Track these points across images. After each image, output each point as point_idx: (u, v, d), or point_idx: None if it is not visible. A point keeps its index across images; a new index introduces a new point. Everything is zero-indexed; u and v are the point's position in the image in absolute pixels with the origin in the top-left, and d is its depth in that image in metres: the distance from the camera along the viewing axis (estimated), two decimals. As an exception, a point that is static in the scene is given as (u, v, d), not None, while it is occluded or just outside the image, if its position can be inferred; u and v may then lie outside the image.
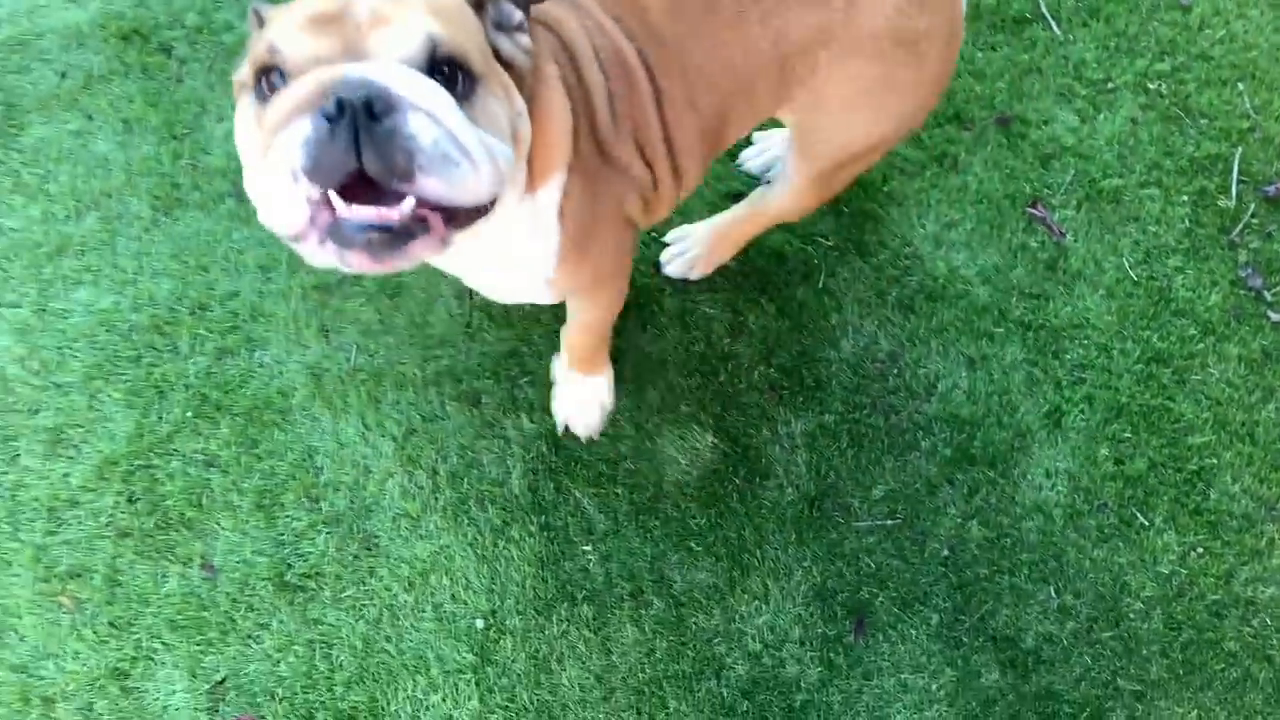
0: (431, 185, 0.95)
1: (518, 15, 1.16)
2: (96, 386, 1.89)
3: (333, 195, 0.93)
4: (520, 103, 1.15)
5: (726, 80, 1.40)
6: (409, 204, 0.94)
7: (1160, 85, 2.30)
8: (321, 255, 0.97)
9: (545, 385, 1.95)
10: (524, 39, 1.16)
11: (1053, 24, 2.34)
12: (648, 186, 1.45)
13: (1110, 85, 2.29)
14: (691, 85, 1.39)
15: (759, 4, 1.35)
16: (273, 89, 1.01)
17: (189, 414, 1.88)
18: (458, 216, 1.01)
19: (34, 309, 1.93)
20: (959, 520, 1.92)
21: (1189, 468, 1.99)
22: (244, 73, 1.07)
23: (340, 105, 0.90)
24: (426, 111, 0.95)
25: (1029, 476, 1.96)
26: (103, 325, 1.93)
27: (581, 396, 1.91)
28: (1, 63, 2.10)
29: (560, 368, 1.90)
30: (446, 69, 1.01)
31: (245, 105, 1.07)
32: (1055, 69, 2.30)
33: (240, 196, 2.03)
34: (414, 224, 0.95)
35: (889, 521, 1.92)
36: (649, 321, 2.01)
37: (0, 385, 1.88)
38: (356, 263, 0.96)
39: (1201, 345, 2.08)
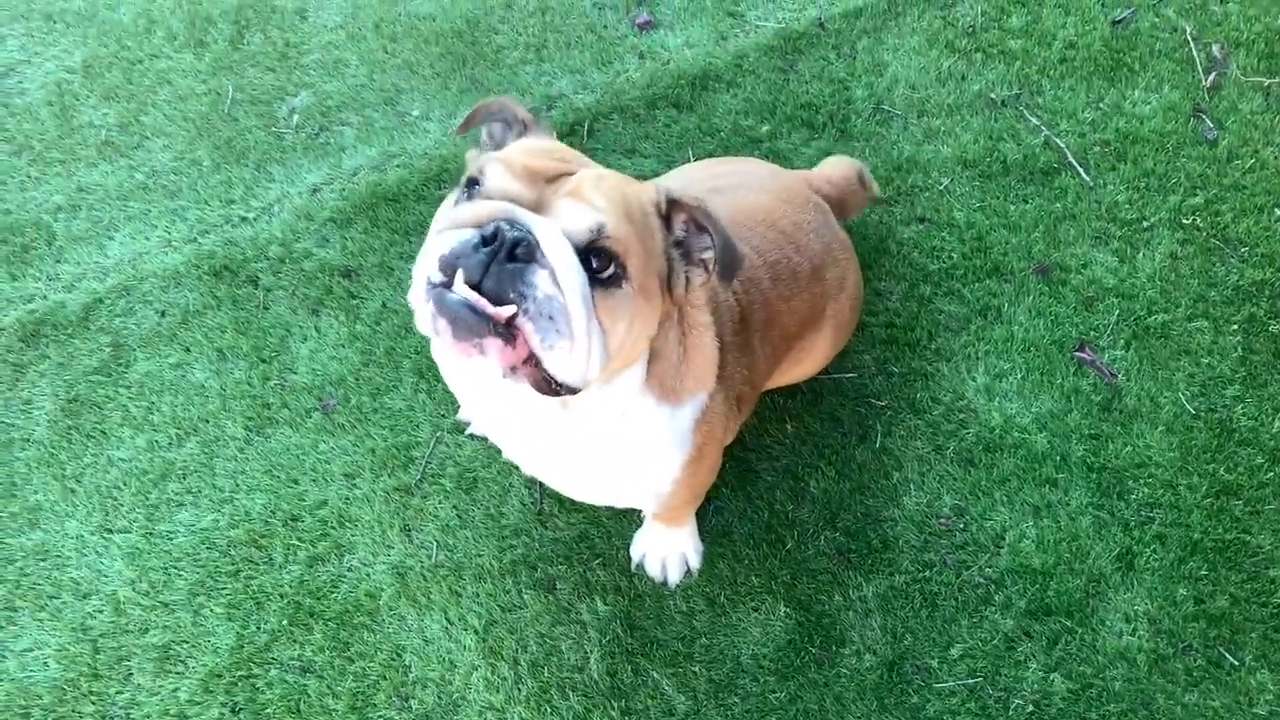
0: (526, 330, 1.09)
1: (706, 250, 1.30)
2: (200, 603, 1.99)
3: (458, 276, 1.07)
4: (654, 325, 1.28)
5: (794, 326, 1.77)
6: (507, 310, 1.07)
7: (1196, 219, 2.32)
8: (423, 318, 1.11)
9: (617, 567, 2.00)
10: (698, 274, 1.31)
11: (1081, 171, 2.40)
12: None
13: (1145, 224, 2.32)
14: (774, 332, 1.72)
15: (810, 279, 1.77)
16: (470, 195, 1.18)
17: (285, 622, 1.97)
18: (538, 368, 1.13)
19: (142, 533, 2.06)
20: (1041, 674, 1.88)
21: (1274, 601, 1.93)
22: (470, 170, 1.24)
23: (496, 233, 1.08)
24: (555, 276, 1.09)
25: (1108, 623, 1.92)
26: (204, 543, 2.05)
27: (664, 546, 1.96)
28: (110, 307, 2.30)
29: (647, 517, 1.97)
30: (600, 257, 1.15)
31: (451, 198, 1.25)
32: (1088, 214, 2.34)
33: (325, 411, 2.17)
34: (503, 329, 1.08)
35: (970, 680, 1.89)
36: (712, 494, 2.06)
37: (113, 608, 1.99)
38: (442, 332, 1.08)
39: (1271, 474, 2.04)
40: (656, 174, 2.41)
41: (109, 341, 2.27)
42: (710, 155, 2.44)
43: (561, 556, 2.01)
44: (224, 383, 2.21)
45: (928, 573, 1.98)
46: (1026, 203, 2.37)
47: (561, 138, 2.45)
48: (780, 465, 2.09)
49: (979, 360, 2.17)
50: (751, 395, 1.78)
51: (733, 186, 1.89)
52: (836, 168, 2.10)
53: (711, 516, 2.04)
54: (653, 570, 1.98)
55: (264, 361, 2.23)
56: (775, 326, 1.75)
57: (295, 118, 2.52)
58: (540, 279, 1.08)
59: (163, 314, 2.29)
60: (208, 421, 2.18)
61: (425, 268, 1.12)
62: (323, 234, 2.37)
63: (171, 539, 2.06)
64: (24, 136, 2.53)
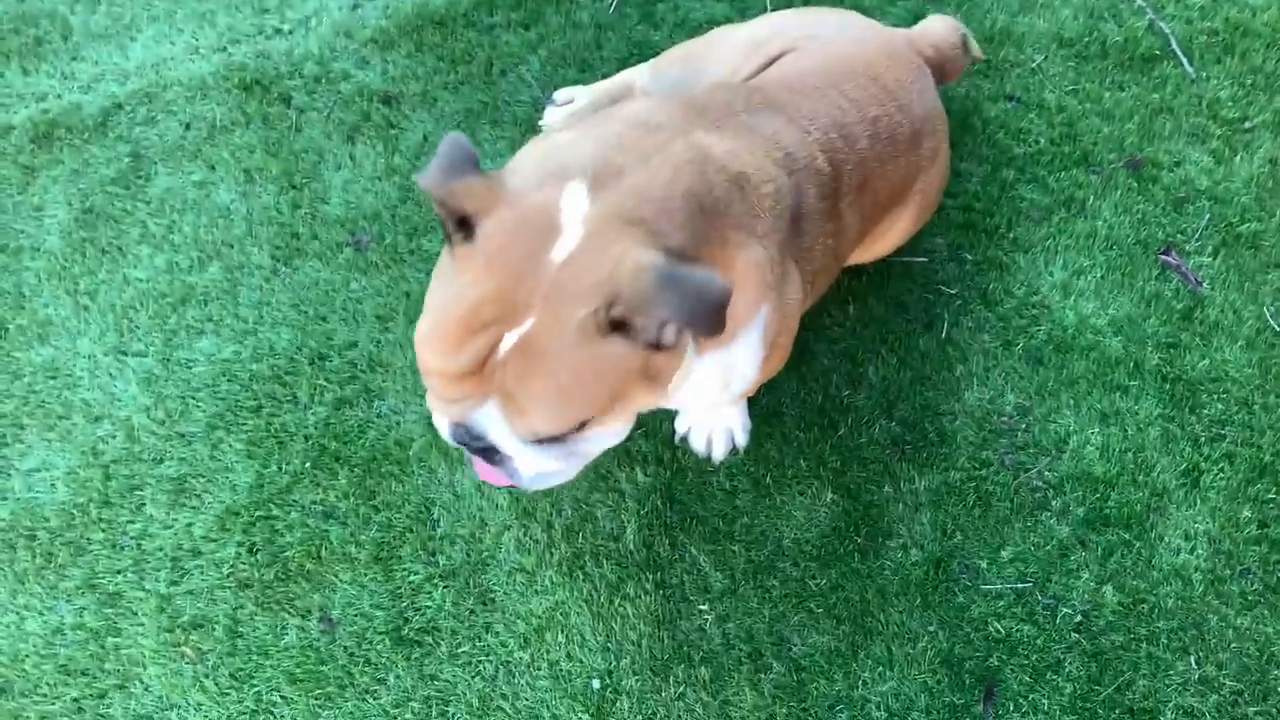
0: (527, 481, 1.34)
1: (671, 338, 1.20)
2: (218, 436, 1.88)
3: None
4: (656, 397, 1.30)
5: (885, 195, 1.65)
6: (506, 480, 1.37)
7: (1301, 123, 2.16)
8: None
9: (659, 438, 1.89)
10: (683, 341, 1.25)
11: (1184, 61, 2.22)
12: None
13: (1247, 125, 2.16)
14: (865, 199, 1.60)
15: (909, 144, 1.66)
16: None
17: (308, 465, 1.86)
18: None
19: (159, 358, 1.94)
20: (1093, 584, 1.81)
21: (1341, 532, 1.85)
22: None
23: (466, 439, 1.28)
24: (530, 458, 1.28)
25: (1166, 539, 1.84)
26: (224, 375, 1.92)
27: (710, 421, 1.86)
28: (130, 114, 2.12)
29: None
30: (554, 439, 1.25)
31: (444, 255, 1.26)
32: (1187, 108, 2.17)
33: (358, 246, 2.02)
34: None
35: (1019, 585, 1.81)
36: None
37: (126, 434, 1.88)
38: (469, 461, 1.34)
39: (1352, 400, 1.94)
40: (725, 19, 2.22)
41: (128, 151, 2.10)
42: (791, 2, 2.25)
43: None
44: (250, 206, 2.06)
45: (984, 471, 1.88)
46: (1122, 90, 2.19)
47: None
48: (839, 348, 1.97)
49: (1058, 254, 2.04)
50: (834, 268, 1.65)
51: (829, 36, 1.73)
52: (937, 28, 1.91)
53: (763, 395, 1.93)
54: (697, 445, 1.88)
55: (294, 188, 2.07)
56: (867, 192, 1.61)
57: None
58: (520, 464, 1.30)
59: (187, 126, 2.12)
60: (232, 246, 2.03)
61: (437, 421, 1.35)
62: (363, 55, 2.18)
63: (190, 367, 1.93)
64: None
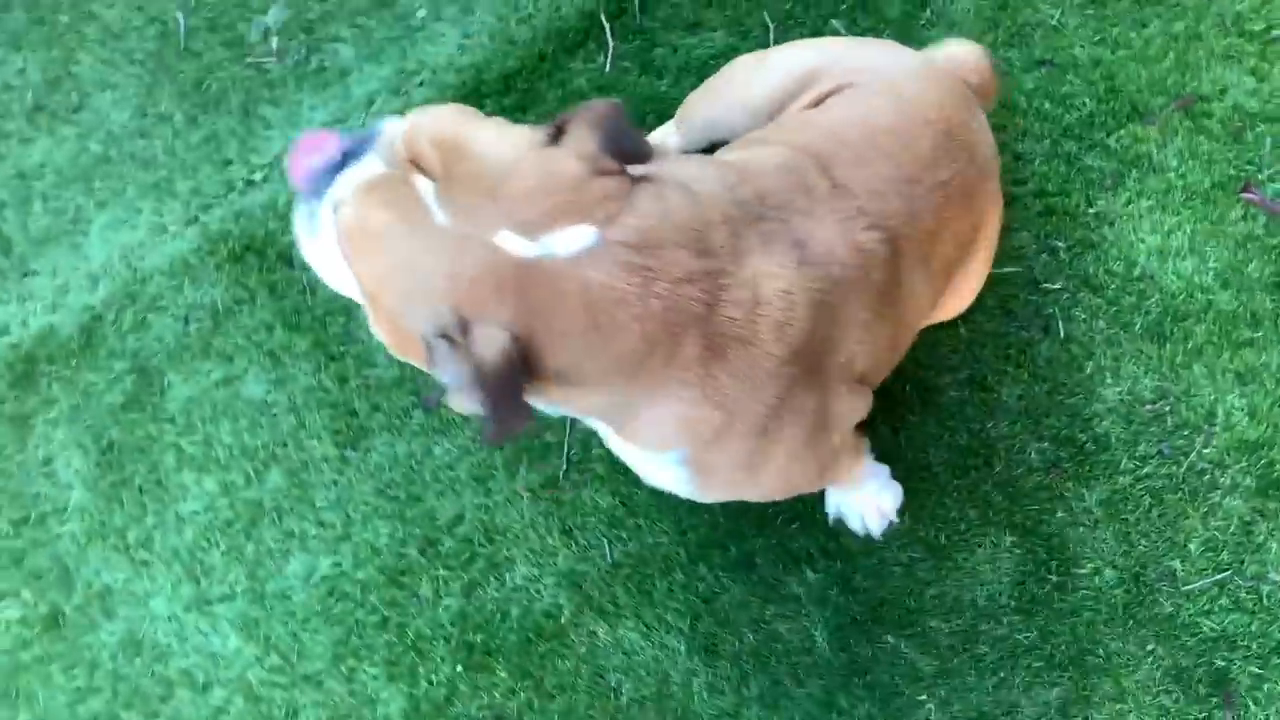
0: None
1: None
2: (350, 666, 1.66)
3: None
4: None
5: (955, 251, 1.41)
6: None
7: (1325, 18, 2.10)
8: None
9: (817, 528, 1.75)
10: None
11: (1196, -20, 2.13)
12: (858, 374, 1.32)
13: (1274, 33, 2.09)
14: (935, 264, 1.37)
15: (978, 194, 1.41)
16: None
17: (459, 669, 1.66)
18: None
19: (250, 598, 1.69)
20: (1286, 554, 1.75)
21: None
22: None
23: None
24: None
25: (1340, 485, 1.79)
26: (331, 594, 1.69)
27: (854, 497, 1.70)
28: (115, 324, 1.82)
29: None
30: None
31: None
32: (1212, 31, 2.08)
33: (426, 407, 1.79)
34: None
35: (1217, 576, 1.74)
36: (898, 424, 1.81)
37: (245, 695, 1.64)
38: None
39: None
40: (732, 51, 2.03)
41: (128, 367, 1.81)
42: (786, 16, 2.06)
43: (752, 528, 1.74)
44: (290, 394, 1.80)
45: (1147, 467, 1.79)
46: (1145, 26, 2.09)
47: (611, 19, 2.03)
48: (963, 377, 1.84)
49: (1143, 218, 1.94)
50: (896, 352, 1.44)
51: (885, 71, 1.46)
52: (965, 57, 1.62)
53: (904, 448, 1.80)
54: (854, 524, 1.74)
55: (332, 359, 1.82)
56: (936, 257, 1.38)
57: (273, 40, 2.00)
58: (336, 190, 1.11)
59: (186, 320, 1.83)
60: (286, 445, 1.77)
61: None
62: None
63: (289, 597, 1.69)
64: (-78, 116, 1.94)
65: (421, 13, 2.04)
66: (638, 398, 1.09)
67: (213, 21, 2.01)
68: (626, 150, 1.05)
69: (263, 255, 1.86)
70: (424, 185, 1.00)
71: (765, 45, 2.04)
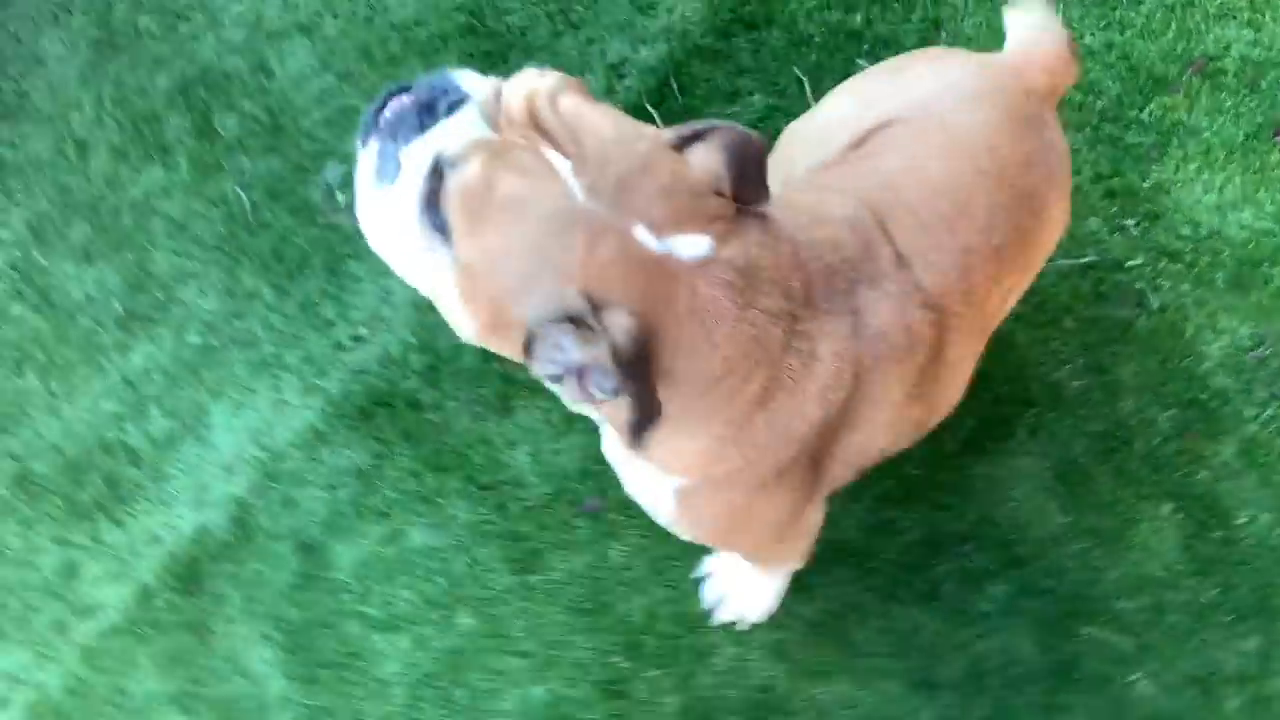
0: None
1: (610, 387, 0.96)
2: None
3: None
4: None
5: (1000, 301, 1.33)
6: None
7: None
8: None
9: (990, 543, 1.81)
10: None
11: (1172, -49, 2.26)
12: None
13: (1256, -16, 2.23)
14: (990, 312, 1.31)
15: (1037, 237, 1.33)
16: None
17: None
18: None
19: (473, 740, 1.69)
20: None
21: None
22: None
23: None
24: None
25: None
26: (552, 721, 1.70)
27: (747, 586, 1.69)
28: (264, 507, 1.81)
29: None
30: None
31: None
32: (1201, -8, 2.22)
33: (594, 514, 1.82)
34: None
35: (1364, 498, 1.84)
36: (1035, 426, 1.88)
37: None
38: None
39: None
40: (772, 111, 2.10)
41: (290, 547, 1.80)
42: (815, 66, 2.14)
43: (929, 557, 1.80)
44: (455, 534, 1.80)
45: (1268, 410, 1.88)
46: (1141, 3, 2.21)
47: (656, 107, 2.09)
48: (1079, 366, 1.92)
49: (1194, 181, 2.04)
50: (913, 437, 1.33)
51: (928, 119, 1.29)
52: (1044, 45, 1.42)
53: (1048, 445, 1.86)
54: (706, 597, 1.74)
55: (485, 490, 1.83)
56: (988, 321, 1.33)
57: (338, 195, 2.02)
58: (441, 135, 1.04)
59: (332, 488, 1.83)
60: (464, 585, 1.77)
61: None
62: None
63: (510, 730, 1.70)
64: (15, 349, 1.92)
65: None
66: (685, 416, 1.04)
67: (273, 190, 2.02)
68: (749, 183, 1.01)
69: (390, 406, 1.87)
70: (558, 159, 0.94)
71: (801, 98, 2.11)
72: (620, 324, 0.91)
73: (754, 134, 1.01)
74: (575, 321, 0.91)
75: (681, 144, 1.00)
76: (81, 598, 1.78)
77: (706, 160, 0.99)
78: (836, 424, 1.12)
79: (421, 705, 1.71)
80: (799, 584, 1.75)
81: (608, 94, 2.12)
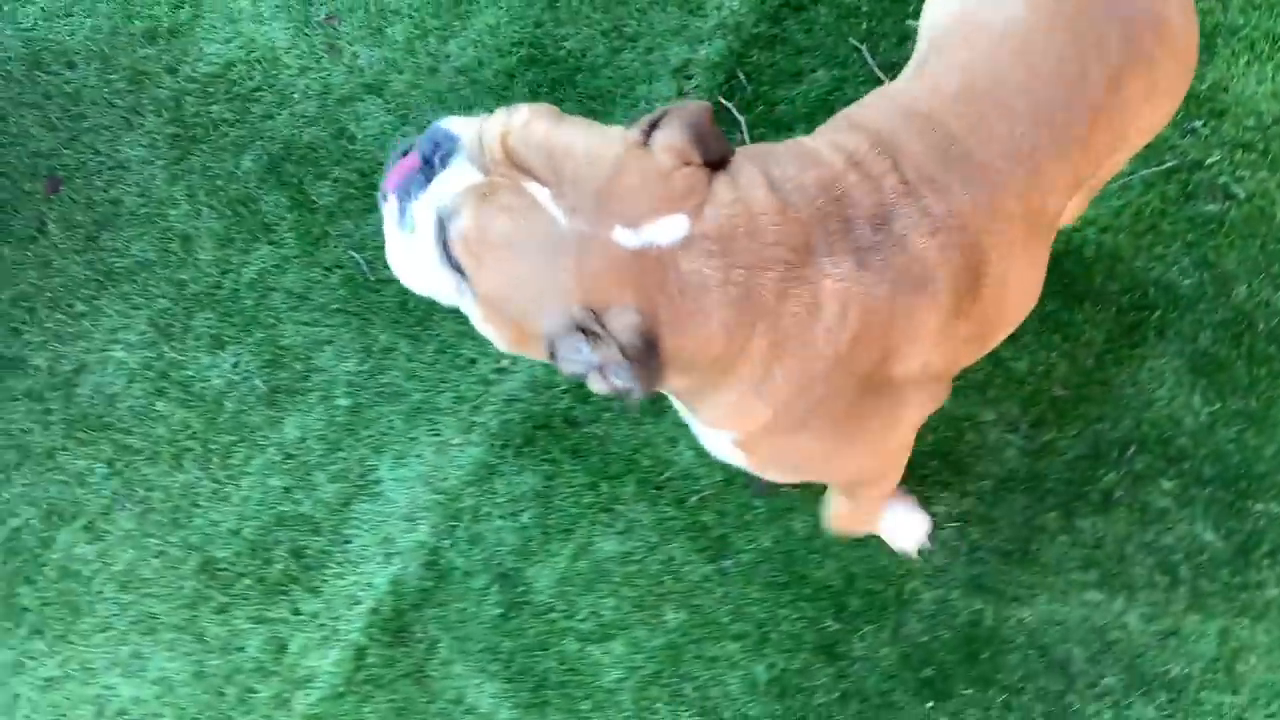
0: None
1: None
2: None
3: None
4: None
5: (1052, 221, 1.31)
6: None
7: None
8: None
9: (1153, 443, 1.88)
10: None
11: None
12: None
13: None
14: (1048, 220, 1.28)
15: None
16: None
17: (930, 705, 1.73)
18: None
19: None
20: None
21: None
22: None
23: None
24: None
25: None
26: (782, 694, 1.74)
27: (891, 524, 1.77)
28: (452, 546, 1.83)
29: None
30: None
31: None
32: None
33: (760, 493, 1.87)
34: None
35: None
36: (1162, 327, 1.95)
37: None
38: None
39: None
40: (839, 83, 2.17)
41: (487, 580, 1.83)
42: (869, 34, 2.22)
43: (1098, 466, 1.87)
44: (640, 536, 1.84)
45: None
46: None
47: (729, 99, 2.16)
48: (1186, 263, 1.97)
49: (1248, 74, 2.09)
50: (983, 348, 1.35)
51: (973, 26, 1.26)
52: None
53: (1177, 340, 1.92)
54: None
55: (659, 489, 1.86)
56: (1053, 215, 1.30)
57: (447, 240, 2.07)
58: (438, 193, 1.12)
59: (515, 516, 1.87)
60: (663, 582, 1.82)
61: None
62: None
63: (747, 715, 1.74)
64: (170, 444, 1.94)
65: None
66: (710, 382, 1.11)
67: (384, 247, 2.06)
68: (711, 147, 1.07)
69: (549, 428, 1.91)
70: (537, 190, 1.02)
71: (862, 66, 2.19)
72: (624, 323, 1.00)
73: (699, 103, 1.09)
74: (584, 330, 1.00)
75: (645, 136, 1.07)
76: (295, 670, 1.80)
77: (669, 140, 1.05)
78: (875, 356, 1.14)
79: (654, 705, 1.74)
80: (983, 519, 1.80)
81: (679, 96, 2.18)
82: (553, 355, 1.04)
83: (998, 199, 1.17)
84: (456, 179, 1.06)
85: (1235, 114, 2.09)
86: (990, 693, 1.72)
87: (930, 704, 1.72)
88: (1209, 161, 2.06)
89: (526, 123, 1.04)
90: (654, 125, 1.07)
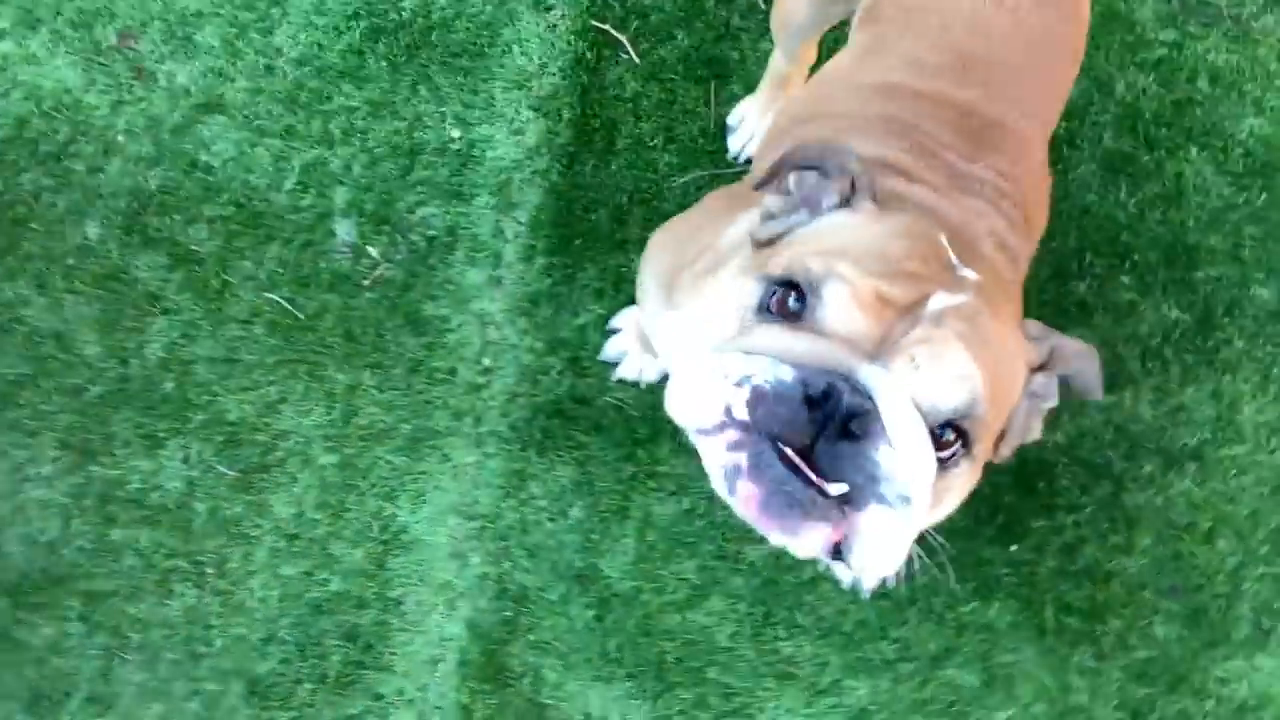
0: (866, 519, 0.82)
1: (1052, 401, 1.00)
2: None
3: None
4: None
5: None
6: (840, 488, 0.81)
7: None
8: (717, 456, 0.84)
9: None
10: (1037, 428, 1.01)
11: None
12: None
13: None
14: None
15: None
16: (782, 306, 0.88)
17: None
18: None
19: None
20: None
21: None
22: (763, 231, 0.99)
23: (829, 395, 0.80)
24: (900, 455, 0.81)
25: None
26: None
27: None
28: (513, 567, 1.69)
29: None
30: (954, 434, 0.87)
31: (741, 219, 1.06)
32: None
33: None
34: (830, 509, 0.81)
35: None
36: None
37: None
38: (744, 496, 0.83)
39: None
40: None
41: (565, 587, 1.70)
42: None
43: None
44: (694, 493, 1.78)
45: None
46: None
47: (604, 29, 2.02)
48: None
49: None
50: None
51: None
52: None
53: (1105, 141, 1.99)
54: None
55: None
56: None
57: (369, 249, 1.83)
58: (885, 459, 0.81)
59: (563, 513, 1.73)
60: (732, 528, 1.77)
61: (720, 388, 0.83)
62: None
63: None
64: (153, 570, 1.64)
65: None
66: None
67: (298, 278, 1.81)
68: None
69: (562, 414, 1.77)
70: (942, 299, 0.90)
71: None
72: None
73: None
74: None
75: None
76: (403, 758, 1.62)
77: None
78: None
79: (774, 645, 1.71)
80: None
81: (549, 30, 2.01)
82: None
83: (1029, 158, 1.21)
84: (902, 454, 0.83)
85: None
86: (1058, 518, 1.80)
87: (1013, 546, 1.78)
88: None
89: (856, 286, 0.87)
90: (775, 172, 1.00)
